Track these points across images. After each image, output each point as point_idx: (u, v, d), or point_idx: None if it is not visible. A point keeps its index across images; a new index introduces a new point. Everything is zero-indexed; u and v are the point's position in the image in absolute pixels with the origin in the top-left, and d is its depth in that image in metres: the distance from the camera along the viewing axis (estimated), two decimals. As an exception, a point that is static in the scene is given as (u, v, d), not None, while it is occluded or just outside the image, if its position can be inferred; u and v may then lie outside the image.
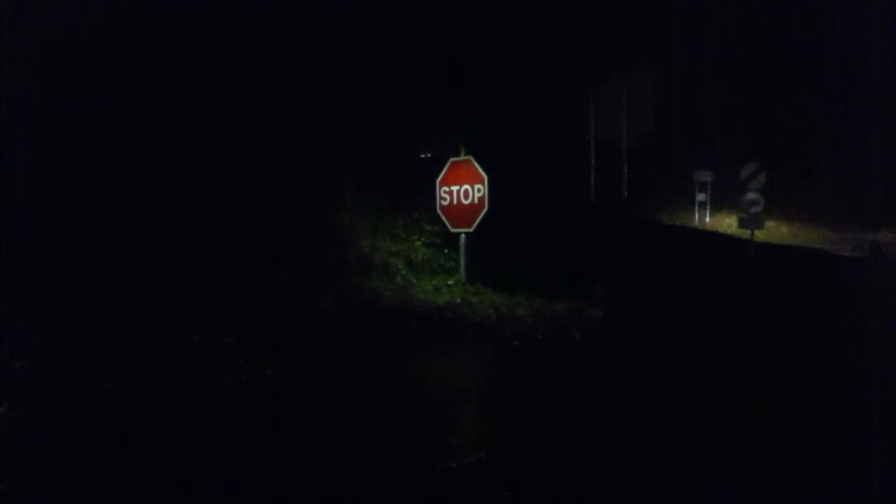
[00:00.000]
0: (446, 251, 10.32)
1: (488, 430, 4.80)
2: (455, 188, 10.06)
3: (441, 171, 10.24)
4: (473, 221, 9.78)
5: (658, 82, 16.52)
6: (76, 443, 4.43)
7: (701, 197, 18.22)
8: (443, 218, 10.20)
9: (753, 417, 5.00)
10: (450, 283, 9.47)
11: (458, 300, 8.72)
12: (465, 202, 9.92)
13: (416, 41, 11.98)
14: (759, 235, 15.08)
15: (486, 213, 9.65)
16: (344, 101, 10.47)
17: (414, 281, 9.30)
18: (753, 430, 4.72)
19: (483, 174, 9.74)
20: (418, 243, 10.32)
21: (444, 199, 10.18)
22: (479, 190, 9.79)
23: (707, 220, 18.42)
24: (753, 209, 14.03)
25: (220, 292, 7.27)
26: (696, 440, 4.51)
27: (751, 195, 14.03)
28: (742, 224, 14.49)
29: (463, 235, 9.82)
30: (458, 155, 10.09)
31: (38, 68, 7.57)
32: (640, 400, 5.39)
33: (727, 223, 17.83)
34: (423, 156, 10.55)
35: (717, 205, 18.50)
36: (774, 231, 17.90)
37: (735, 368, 6.47)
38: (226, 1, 9.46)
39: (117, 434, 4.63)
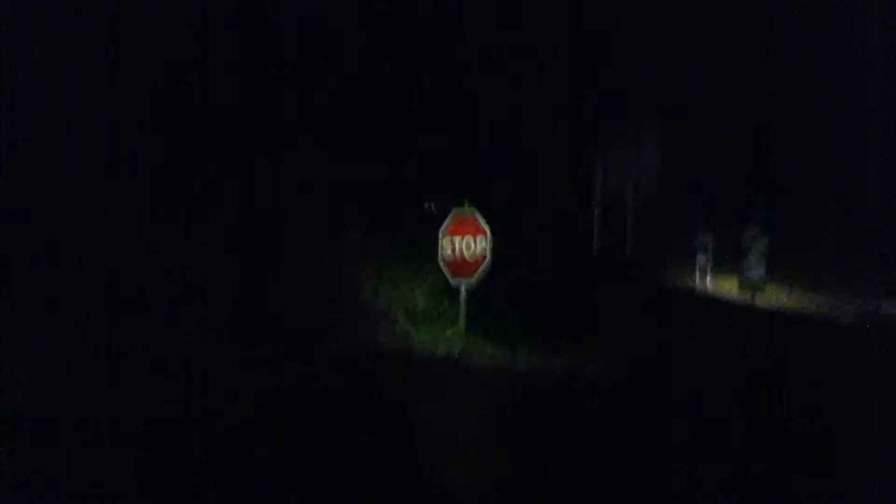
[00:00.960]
0: (446, 301, 10.30)
1: (482, 483, 4.71)
2: (457, 239, 10.09)
3: (444, 222, 10.30)
4: (474, 273, 9.79)
5: (663, 142, 16.75)
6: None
7: (701, 259, 18.23)
8: (444, 269, 10.20)
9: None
10: (448, 333, 9.41)
11: (457, 351, 8.66)
12: (467, 253, 9.95)
13: (422, 93, 12.19)
14: (761, 300, 15.06)
15: (488, 265, 9.67)
16: (350, 151, 10.61)
17: (413, 330, 9.25)
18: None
19: (485, 227, 9.80)
20: (419, 292, 10.30)
21: (446, 250, 10.21)
22: (480, 242, 9.84)
23: (707, 281, 18.38)
24: (754, 273, 14.09)
25: (213, 334, 7.23)
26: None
27: (752, 258, 14.11)
28: (743, 287, 14.51)
29: (463, 287, 9.81)
30: (461, 206, 10.16)
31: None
32: (638, 463, 5.29)
33: (728, 286, 17.80)
34: (426, 206, 10.65)
35: (719, 266, 18.48)
36: (776, 296, 17.83)
37: (736, 438, 6.37)
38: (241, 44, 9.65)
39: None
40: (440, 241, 10.27)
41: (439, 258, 10.20)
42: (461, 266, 9.91)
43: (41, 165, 7.34)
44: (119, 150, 8.03)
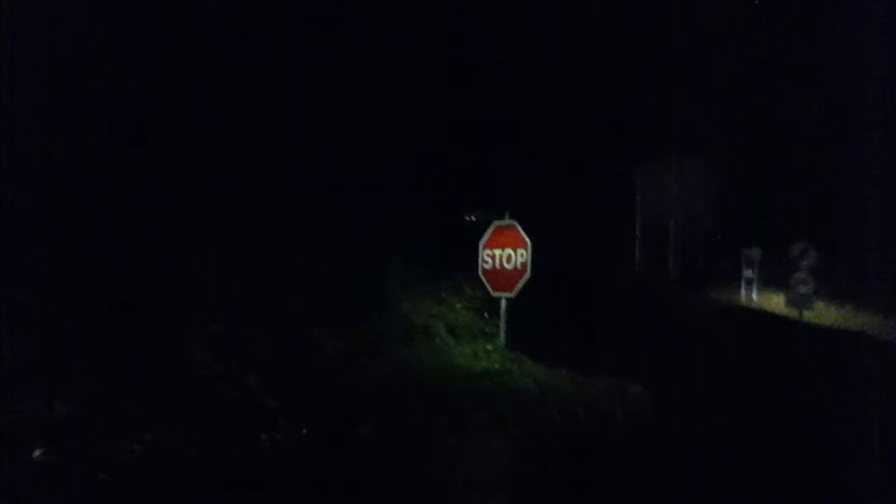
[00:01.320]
0: (486, 315, 10.19)
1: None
2: (498, 252, 9.98)
3: (485, 234, 10.21)
4: (515, 287, 9.64)
5: (708, 161, 16.49)
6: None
7: (748, 273, 17.85)
8: (484, 281, 10.10)
9: None
10: (489, 348, 9.30)
11: (497, 367, 8.55)
12: (508, 267, 9.82)
13: (471, 111, 12.19)
14: (809, 317, 14.62)
15: (529, 279, 9.53)
16: (392, 168, 10.61)
17: (453, 345, 9.16)
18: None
19: (527, 239, 9.66)
20: (459, 306, 10.22)
21: (487, 263, 10.09)
22: (522, 255, 9.69)
23: (754, 297, 17.98)
24: (802, 289, 13.65)
25: (259, 352, 7.24)
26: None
27: (800, 274, 13.67)
28: (790, 303, 14.08)
29: (504, 300, 9.69)
30: (502, 219, 10.05)
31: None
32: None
33: (775, 301, 17.37)
34: (468, 219, 10.58)
35: (766, 282, 18.07)
36: (824, 313, 17.34)
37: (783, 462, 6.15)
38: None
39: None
40: (481, 253, 10.20)
41: (480, 270, 10.12)
42: (502, 278, 9.80)
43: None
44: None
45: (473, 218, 10.82)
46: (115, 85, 8.14)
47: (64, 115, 7.72)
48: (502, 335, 9.56)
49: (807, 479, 5.57)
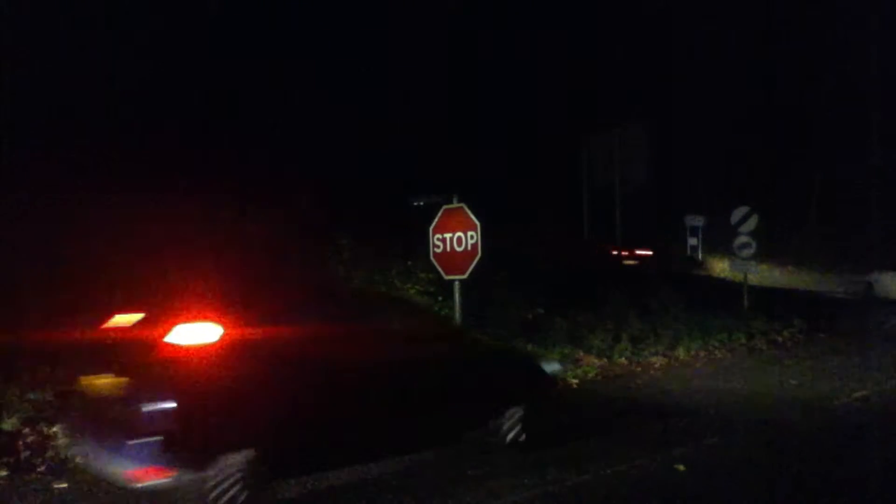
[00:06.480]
0: (441, 299, 10.27)
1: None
2: (448, 236, 10.01)
3: (434, 218, 10.23)
4: (467, 269, 9.69)
5: (652, 131, 16.73)
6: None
7: (693, 241, 18.35)
8: (436, 266, 10.14)
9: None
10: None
11: (453, 349, 8.59)
12: (459, 249, 9.85)
13: (414, 93, 12.18)
14: (753, 279, 15.10)
15: (481, 260, 9.59)
16: (341, 153, 10.56)
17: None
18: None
19: (476, 221, 9.70)
20: (413, 291, 10.25)
21: (438, 247, 10.12)
22: (472, 237, 9.73)
23: (699, 263, 18.49)
24: (745, 253, 14.06)
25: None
26: None
27: (742, 238, 14.07)
28: (734, 267, 14.51)
29: (457, 283, 9.75)
30: (450, 202, 10.08)
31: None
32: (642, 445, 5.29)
33: (720, 267, 17.90)
34: (416, 204, 10.56)
35: (711, 248, 18.59)
36: (767, 275, 17.96)
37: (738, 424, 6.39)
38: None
39: None
40: (431, 238, 10.20)
41: (431, 255, 10.12)
42: (453, 261, 9.83)
43: None
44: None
45: (421, 203, 10.82)
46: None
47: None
48: (457, 317, 9.62)
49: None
